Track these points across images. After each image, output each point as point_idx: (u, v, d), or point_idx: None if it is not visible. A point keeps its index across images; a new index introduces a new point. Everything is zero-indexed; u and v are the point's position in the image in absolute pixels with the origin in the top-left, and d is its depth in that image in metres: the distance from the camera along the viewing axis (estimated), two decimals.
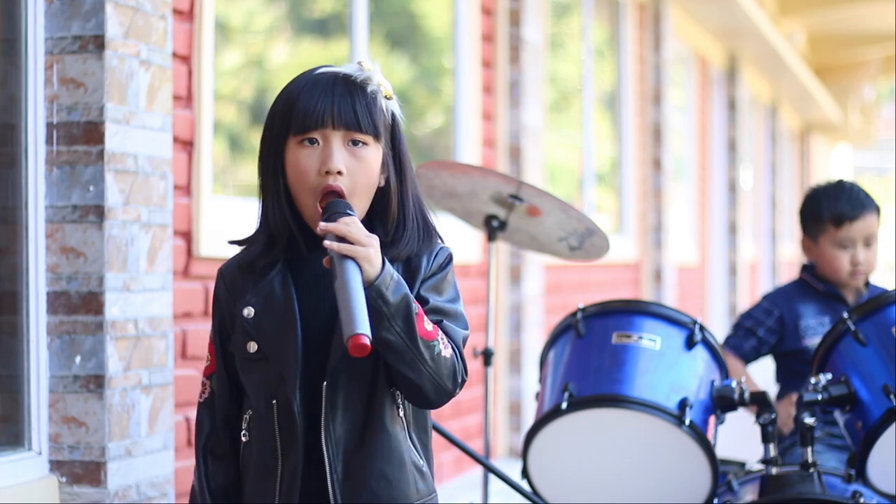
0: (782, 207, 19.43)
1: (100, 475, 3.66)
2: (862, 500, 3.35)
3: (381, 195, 2.48)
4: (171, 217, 3.95)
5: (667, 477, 3.48)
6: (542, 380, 3.66)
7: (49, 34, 3.70)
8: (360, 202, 2.43)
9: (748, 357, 4.19)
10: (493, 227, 4.10)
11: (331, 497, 2.39)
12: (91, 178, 3.67)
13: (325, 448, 2.39)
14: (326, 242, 2.31)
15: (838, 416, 3.51)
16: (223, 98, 5.07)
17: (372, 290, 2.29)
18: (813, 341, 4.04)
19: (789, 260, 19.37)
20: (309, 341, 2.41)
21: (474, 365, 6.92)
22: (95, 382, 3.67)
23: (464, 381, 2.42)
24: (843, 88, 22.20)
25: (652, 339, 3.50)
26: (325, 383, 2.39)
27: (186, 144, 4.39)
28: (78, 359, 3.68)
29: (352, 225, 2.33)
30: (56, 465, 3.70)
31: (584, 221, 4.03)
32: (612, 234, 9.81)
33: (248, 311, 2.45)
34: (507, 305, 7.41)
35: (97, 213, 3.67)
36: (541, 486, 3.58)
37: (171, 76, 3.95)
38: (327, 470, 2.39)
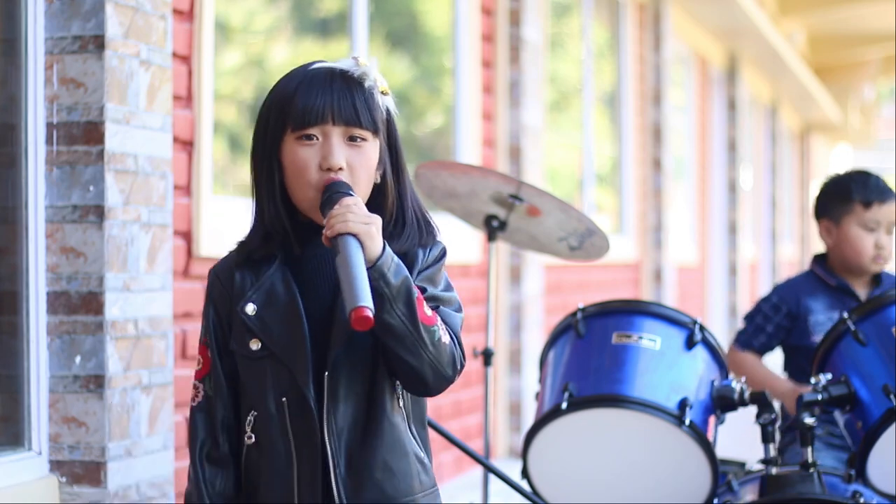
0: (782, 207, 19.43)
1: (100, 475, 3.66)
2: (862, 500, 3.35)
3: (378, 191, 2.47)
4: (171, 217, 3.95)
5: (667, 477, 3.48)
6: (542, 380, 3.66)
7: (49, 34, 3.70)
8: (360, 196, 2.41)
9: (759, 352, 4.18)
10: (493, 227, 4.09)
11: (334, 491, 2.38)
12: (91, 178, 3.67)
13: (327, 441, 2.38)
14: (326, 226, 2.30)
15: (838, 416, 3.51)
16: (223, 98, 5.07)
17: (374, 270, 2.27)
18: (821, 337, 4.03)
19: (789, 260, 19.37)
20: (315, 338, 2.40)
21: (474, 365, 6.92)
22: (95, 382, 3.67)
23: (462, 366, 2.40)
24: (843, 88, 22.20)
25: (652, 339, 3.50)
26: (326, 374, 2.37)
27: (186, 144, 4.39)
28: (78, 359, 3.68)
29: (353, 206, 2.32)
30: (56, 465, 3.70)
31: (584, 221, 4.03)
32: (612, 234, 9.81)
33: (251, 308, 2.43)
34: (507, 305, 7.41)
35: (97, 213, 3.67)
36: (541, 486, 3.58)
37: (171, 76, 3.95)
38: (330, 463, 2.38)
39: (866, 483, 3.44)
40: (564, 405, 3.41)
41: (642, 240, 10.82)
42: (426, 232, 2.48)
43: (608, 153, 10.52)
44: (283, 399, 2.40)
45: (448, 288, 2.47)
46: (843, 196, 4.12)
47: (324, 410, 2.38)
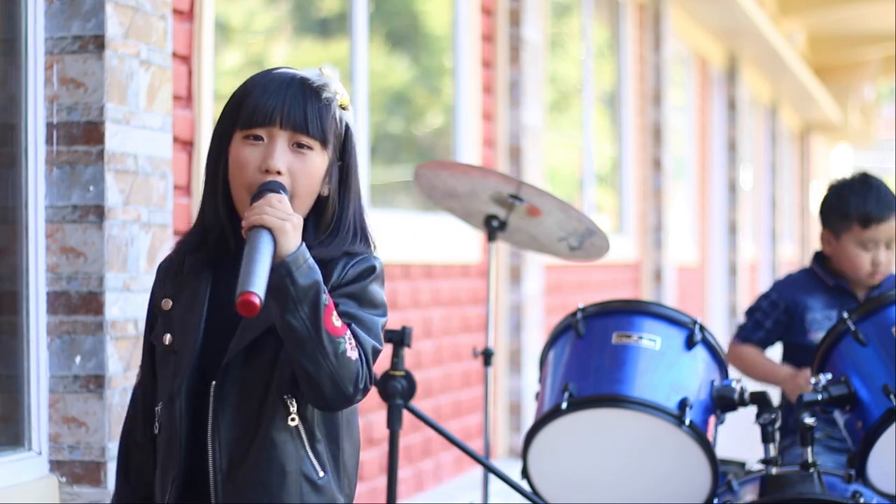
0: (782, 207, 19.44)
1: (100, 475, 3.66)
2: (862, 500, 3.35)
3: (321, 203, 2.44)
4: (171, 217, 3.95)
5: (667, 477, 3.48)
6: (541, 380, 3.66)
7: (49, 34, 3.70)
8: (298, 206, 2.38)
9: (759, 347, 4.18)
10: (493, 227, 4.09)
11: (212, 498, 2.37)
12: (91, 178, 3.67)
13: (210, 448, 2.37)
14: (246, 213, 2.28)
15: (838, 416, 3.51)
16: (223, 98, 5.06)
17: (282, 265, 2.24)
18: (818, 335, 4.03)
19: (789, 260, 19.37)
20: (218, 341, 2.38)
21: (474, 365, 6.93)
22: (95, 382, 3.67)
23: (367, 389, 2.33)
24: (843, 88, 22.20)
25: (652, 339, 3.50)
26: (213, 383, 2.37)
27: (186, 144, 4.39)
28: (78, 359, 3.68)
29: (275, 201, 2.28)
30: (56, 465, 3.70)
31: (584, 221, 4.03)
32: (612, 234, 9.81)
33: (166, 303, 2.46)
34: (507, 305, 7.41)
35: (97, 213, 3.67)
36: (541, 486, 3.58)
37: (171, 76, 3.95)
38: (211, 471, 2.37)
39: (866, 483, 3.44)
40: (564, 405, 3.40)
41: (642, 240, 10.82)
42: (358, 242, 2.43)
43: (608, 153, 10.53)
44: (174, 393, 2.42)
45: (373, 309, 2.39)
46: (842, 213, 4.07)
47: (209, 416, 2.37)
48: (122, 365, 3.71)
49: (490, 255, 4.23)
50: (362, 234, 2.45)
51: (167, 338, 2.44)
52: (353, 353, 2.30)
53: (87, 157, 3.67)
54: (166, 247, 3.90)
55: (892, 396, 3.35)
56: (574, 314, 3.62)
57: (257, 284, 2.17)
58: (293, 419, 2.37)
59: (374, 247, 2.47)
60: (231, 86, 5.32)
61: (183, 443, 2.39)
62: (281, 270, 2.24)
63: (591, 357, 3.53)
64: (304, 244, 2.29)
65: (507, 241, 4.35)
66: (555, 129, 9.19)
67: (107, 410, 3.65)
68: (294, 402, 2.37)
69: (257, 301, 2.16)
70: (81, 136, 3.68)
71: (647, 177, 10.93)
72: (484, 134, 7.25)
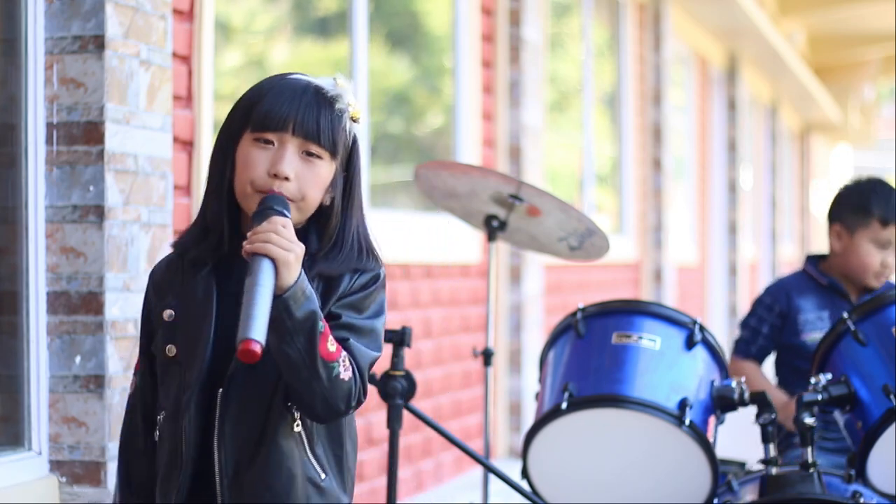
0: (782, 207, 19.44)
1: (100, 475, 3.66)
2: (862, 500, 3.35)
3: (323, 213, 2.44)
4: (171, 217, 3.95)
5: (667, 477, 3.48)
6: (541, 380, 3.66)
7: (49, 34, 3.70)
8: (301, 213, 2.39)
9: (757, 358, 4.17)
10: (493, 227, 4.09)
11: (218, 501, 2.38)
12: (91, 178, 3.67)
13: (216, 454, 2.38)
14: (248, 240, 2.28)
15: (838, 416, 3.51)
16: (223, 98, 5.07)
17: (280, 301, 2.25)
18: (811, 336, 4.03)
19: (789, 260, 19.37)
20: (225, 350, 2.38)
21: (474, 365, 6.93)
22: (95, 382, 3.67)
23: (360, 402, 2.37)
24: (843, 88, 22.19)
25: (652, 339, 3.50)
26: (220, 391, 2.37)
27: (186, 144, 4.39)
28: (78, 359, 3.68)
29: (280, 227, 2.29)
30: (56, 465, 3.70)
31: (584, 221, 4.03)
32: (612, 234, 9.81)
33: (169, 314, 2.44)
34: (507, 305, 7.41)
35: (97, 213, 3.67)
36: (541, 486, 3.58)
37: (171, 76, 3.95)
38: (217, 477, 2.38)
39: (866, 483, 3.44)
40: (564, 405, 3.40)
41: (642, 240, 10.82)
42: (365, 258, 2.44)
43: (608, 153, 10.53)
44: (180, 405, 2.41)
45: (374, 316, 2.42)
46: (863, 208, 4.07)
47: (215, 423, 2.38)
48: (122, 365, 3.71)
49: (490, 255, 4.23)
50: (368, 250, 2.46)
51: (170, 349, 2.43)
52: (346, 374, 2.34)
53: (87, 157, 3.67)
54: (166, 247, 3.90)
55: (892, 396, 3.35)
56: (574, 314, 3.62)
57: (257, 330, 2.18)
58: (298, 425, 2.40)
59: (380, 261, 2.47)
60: (231, 86, 5.33)
61: (191, 450, 2.40)
62: (279, 304, 2.25)
63: (591, 357, 3.53)
64: (303, 273, 2.30)
65: (507, 241, 4.35)
66: (555, 129, 9.19)
67: (107, 410, 3.65)
68: (297, 409, 2.39)
69: (258, 349, 2.17)
70: (81, 136, 3.68)
71: (647, 177, 10.93)
72: (484, 134, 7.25)
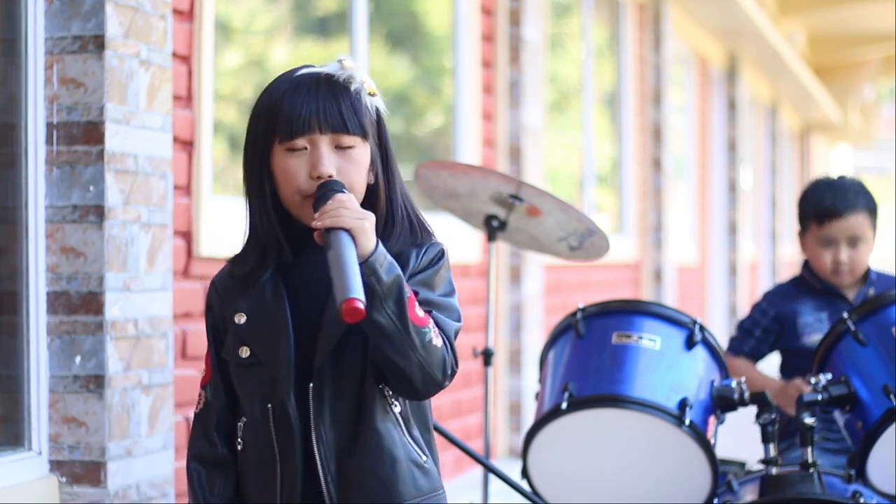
0: (782, 207, 19.43)
1: (100, 475, 3.66)
2: (862, 500, 3.35)
3: (370, 192, 2.45)
4: (171, 217, 3.95)
5: (667, 477, 3.48)
6: (541, 380, 3.66)
7: (49, 34, 3.70)
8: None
9: (751, 357, 4.19)
10: (493, 227, 4.09)
11: (325, 498, 2.38)
12: (91, 178, 3.67)
13: (316, 449, 2.38)
14: (317, 219, 2.28)
15: (838, 416, 3.51)
16: (223, 98, 5.07)
17: (366, 266, 2.25)
18: (812, 338, 4.03)
19: (789, 260, 19.36)
20: (299, 346, 2.39)
21: (474, 365, 6.93)
22: (95, 382, 3.67)
23: (454, 372, 2.38)
24: (843, 88, 22.19)
25: (652, 339, 3.50)
26: (311, 385, 2.37)
27: (186, 144, 4.39)
28: (78, 359, 3.68)
29: (346, 201, 2.30)
30: (56, 465, 3.70)
31: (584, 221, 4.03)
32: (612, 234, 9.81)
33: (240, 318, 2.44)
34: (507, 305, 7.41)
35: (97, 213, 3.67)
36: (541, 486, 3.58)
37: (171, 76, 3.95)
38: (320, 471, 2.38)
39: (866, 483, 3.44)
40: (564, 405, 3.40)
41: (642, 240, 10.82)
42: (420, 232, 2.46)
43: (608, 153, 10.52)
44: (269, 406, 2.41)
45: (448, 293, 2.43)
46: (801, 212, 4.15)
47: (310, 419, 2.38)
48: (122, 365, 3.71)
49: (490, 255, 4.23)
50: (419, 223, 2.47)
51: (244, 351, 2.43)
52: (437, 341, 2.33)
53: (87, 157, 3.67)
54: (166, 247, 3.90)
55: (892, 396, 3.35)
56: (574, 314, 3.62)
57: (356, 289, 2.18)
58: (395, 405, 2.40)
59: (433, 233, 2.48)
60: (231, 86, 5.33)
61: (298, 447, 2.38)
62: (365, 270, 2.25)
63: (591, 357, 3.53)
64: (378, 240, 2.30)
65: (507, 241, 4.35)
66: (555, 129, 9.19)
67: (107, 410, 3.65)
68: (389, 391, 2.39)
69: (361, 306, 2.16)
70: (81, 136, 3.68)
71: (647, 177, 10.93)
72: (484, 134, 7.25)
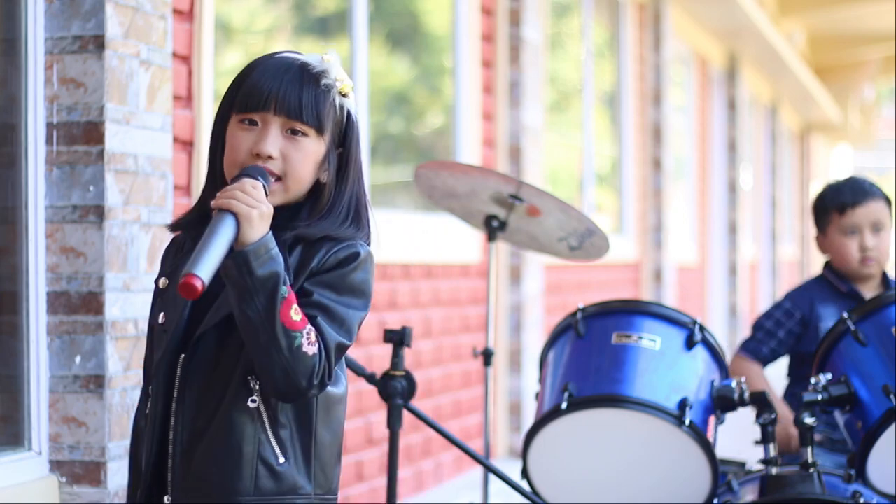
0: (782, 207, 19.44)
1: (100, 475, 3.66)
2: (862, 500, 3.35)
3: (318, 189, 2.42)
4: (171, 217, 3.95)
5: (667, 477, 3.48)
6: (541, 380, 3.66)
7: (49, 34, 3.70)
8: (292, 191, 2.38)
9: (766, 360, 4.12)
10: (493, 227, 4.09)
11: (168, 470, 2.36)
12: (91, 178, 3.67)
13: (172, 423, 2.36)
14: (218, 193, 2.27)
15: (838, 416, 3.51)
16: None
17: (239, 255, 2.22)
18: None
19: (789, 260, 19.37)
20: (199, 321, 2.37)
21: (474, 365, 6.93)
22: (95, 382, 3.67)
23: (323, 385, 2.30)
24: (843, 88, 22.19)
25: (652, 339, 3.50)
26: (182, 355, 2.35)
27: (186, 144, 4.40)
28: (78, 359, 3.68)
29: (248, 187, 2.27)
30: (56, 465, 3.70)
31: (584, 221, 4.03)
32: (612, 234, 9.81)
33: (163, 282, 2.45)
34: (507, 305, 7.41)
35: (97, 213, 3.67)
36: (541, 486, 3.58)
37: (171, 76, 3.95)
38: (170, 447, 2.36)
39: (866, 483, 3.44)
40: (564, 405, 3.40)
41: (642, 240, 10.82)
42: (347, 226, 2.39)
43: (608, 153, 10.53)
44: (156, 371, 2.40)
45: (349, 304, 2.34)
46: (822, 206, 4.16)
47: (174, 391, 2.36)
48: (122, 365, 3.71)
49: (490, 255, 4.23)
50: (354, 219, 2.41)
51: (161, 317, 2.42)
52: (310, 349, 2.27)
53: (87, 157, 3.67)
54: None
55: (892, 396, 3.35)
56: (574, 314, 3.62)
57: (203, 268, 2.16)
58: (253, 401, 2.33)
59: (369, 233, 2.43)
60: None
61: (157, 418, 2.37)
62: (238, 259, 2.23)
63: (591, 357, 3.53)
64: (270, 233, 2.27)
65: (507, 241, 4.35)
66: (555, 129, 9.19)
67: (107, 410, 3.65)
68: (257, 384, 2.33)
69: (199, 285, 2.14)
70: (81, 136, 3.68)
71: (647, 177, 10.93)
72: (484, 134, 7.25)
